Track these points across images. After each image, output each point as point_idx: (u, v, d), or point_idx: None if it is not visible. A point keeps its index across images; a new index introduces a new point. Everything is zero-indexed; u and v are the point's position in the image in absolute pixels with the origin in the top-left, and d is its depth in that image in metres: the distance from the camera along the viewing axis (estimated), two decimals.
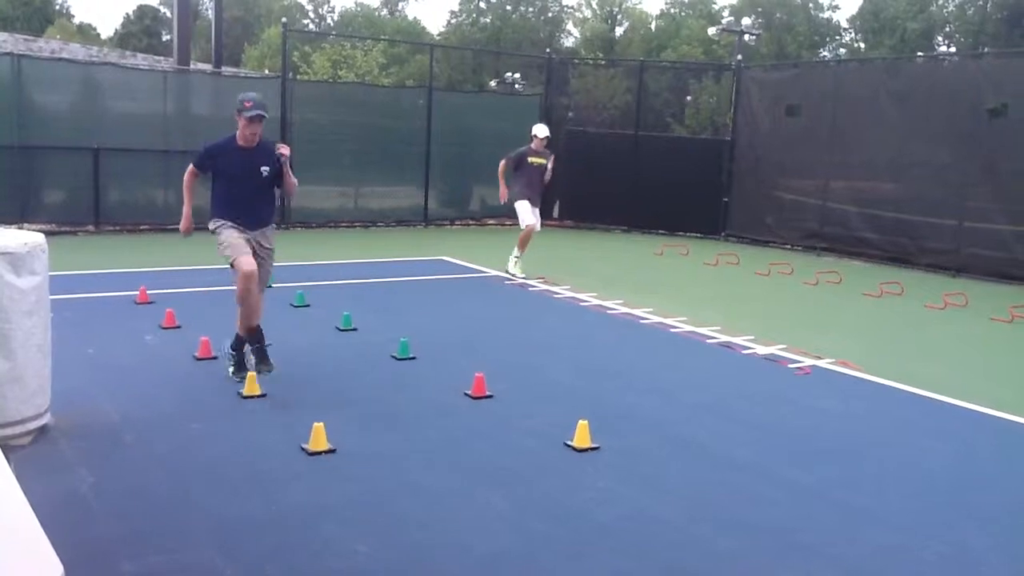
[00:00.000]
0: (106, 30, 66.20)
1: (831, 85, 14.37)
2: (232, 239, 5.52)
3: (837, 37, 59.32)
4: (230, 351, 5.73)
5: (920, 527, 4.01)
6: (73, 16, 64.61)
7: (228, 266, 5.57)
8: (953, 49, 51.10)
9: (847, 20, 59.91)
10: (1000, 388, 6.56)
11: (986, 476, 4.73)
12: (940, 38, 53.19)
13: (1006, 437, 5.47)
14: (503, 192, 10.50)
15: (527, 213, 10.33)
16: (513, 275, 10.30)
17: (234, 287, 5.54)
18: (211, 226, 5.63)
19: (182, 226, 5.76)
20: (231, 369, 5.67)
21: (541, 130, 10.46)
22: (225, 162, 5.56)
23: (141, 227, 13.12)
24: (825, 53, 54.93)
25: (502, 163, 10.46)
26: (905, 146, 13.10)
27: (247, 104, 5.46)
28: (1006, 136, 11.78)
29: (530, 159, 10.35)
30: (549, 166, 10.43)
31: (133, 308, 7.76)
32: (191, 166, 5.70)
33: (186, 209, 5.75)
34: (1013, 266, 11.72)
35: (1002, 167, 11.74)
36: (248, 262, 5.44)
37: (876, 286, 10.72)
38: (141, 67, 17.36)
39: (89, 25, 64.26)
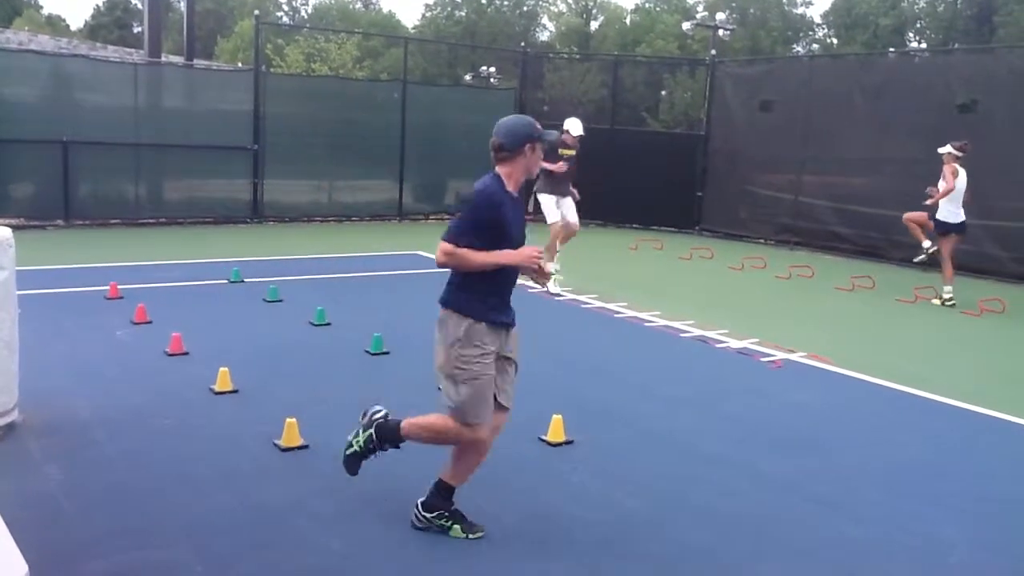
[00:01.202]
0: (76, 22, 65.61)
1: (804, 81, 14.48)
2: (477, 388, 3.48)
3: (810, 33, 59.89)
4: (435, 515, 3.71)
5: (890, 518, 4.05)
6: (42, 7, 63.76)
7: (446, 395, 3.55)
8: (924, 45, 51.71)
9: (820, 16, 60.64)
10: (968, 381, 6.64)
11: (954, 467, 4.80)
12: (911, 34, 53.78)
13: (973, 429, 5.54)
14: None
15: (551, 209, 9.59)
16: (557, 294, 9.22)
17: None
18: (461, 332, 3.47)
19: (533, 258, 3.49)
20: (458, 527, 3.70)
21: (575, 127, 9.65)
22: (505, 220, 3.49)
23: (111, 221, 12.96)
24: (799, 49, 55.41)
25: (552, 167, 9.17)
26: (877, 141, 13.24)
27: (537, 127, 3.58)
28: (976, 131, 11.90)
29: (561, 151, 9.48)
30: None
31: (103, 303, 7.67)
32: (451, 245, 3.42)
33: (499, 258, 3.46)
34: (983, 260, 11.86)
35: (972, 162, 11.87)
36: (487, 429, 3.59)
37: (848, 280, 10.82)
38: (111, 59, 17.13)
39: (58, 16, 63.53)
